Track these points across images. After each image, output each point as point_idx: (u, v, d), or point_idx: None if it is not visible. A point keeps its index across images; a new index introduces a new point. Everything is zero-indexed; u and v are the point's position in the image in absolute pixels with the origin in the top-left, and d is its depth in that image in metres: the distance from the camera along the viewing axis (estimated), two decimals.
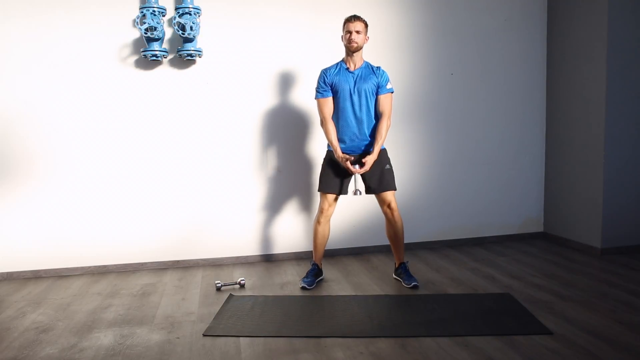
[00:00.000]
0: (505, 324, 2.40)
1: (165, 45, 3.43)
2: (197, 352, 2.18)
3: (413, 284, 2.96)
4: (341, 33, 2.98)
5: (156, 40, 3.30)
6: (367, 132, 2.95)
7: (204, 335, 2.36)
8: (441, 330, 2.34)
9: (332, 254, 3.73)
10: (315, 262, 3.13)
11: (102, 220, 3.46)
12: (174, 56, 3.45)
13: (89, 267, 3.48)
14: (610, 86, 3.50)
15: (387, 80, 2.97)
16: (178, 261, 3.59)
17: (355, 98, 2.92)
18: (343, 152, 2.95)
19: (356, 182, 2.98)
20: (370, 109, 2.95)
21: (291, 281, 3.18)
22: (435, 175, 3.93)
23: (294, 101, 3.66)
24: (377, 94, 2.95)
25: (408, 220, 3.72)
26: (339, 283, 3.11)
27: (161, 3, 3.37)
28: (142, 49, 3.33)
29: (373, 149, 2.91)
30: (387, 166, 3.00)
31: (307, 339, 2.29)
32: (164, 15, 3.37)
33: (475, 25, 3.92)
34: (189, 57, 3.38)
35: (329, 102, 2.96)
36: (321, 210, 3.03)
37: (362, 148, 2.98)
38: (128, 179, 3.47)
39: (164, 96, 3.48)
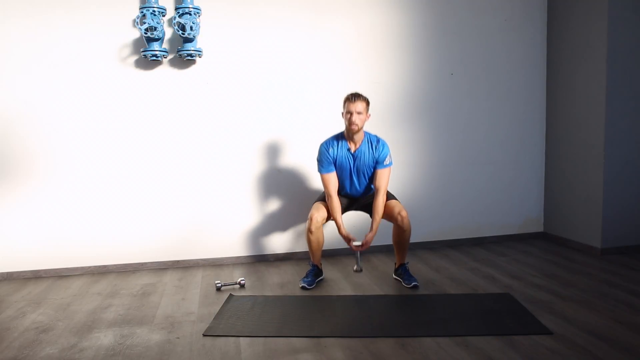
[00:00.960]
0: (505, 324, 2.40)
1: (165, 45, 3.43)
2: (197, 352, 2.18)
3: (413, 284, 2.96)
4: (341, 110, 2.97)
5: (156, 40, 3.30)
6: (364, 192, 3.12)
7: (204, 335, 2.36)
8: (441, 330, 2.34)
9: (332, 254, 3.73)
10: (315, 263, 3.13)
11: (102, 220, 3.46)
12: (174, 56, 3.45)
13: (89, 267, 3.48)
14: (610, 86, 3.50)
15: (386, 156, 2.99)
16: (178, 261, 3.59)
17: (355, 177, 3.05)
18: (341, 196, 3.09)
19: (358, 260, 3.00)
20: (368, 179, 3.07)
21: (291, 281, 3.18)
22: (435, 175, 3.94)
23: (294, 101, 3.66)
24: (374, 168, 3.00)
25: None
26: (339, 283, 3.11)
27: (161, 3, 3.37)
28: (142, 49, 3.33)
29: (372, 227, 2.97)
30: None
31: (307, 339, 2.29)
32: (164, 15, 3.37)
33: (476, 25, 3.92)
34: (189, 57, 3.38)
35: (333, 177, 3.01)
36: (310, 218, 2.98)
37: (360, 195, 3.15)
38: (128, 179, 3.47)
39: (164, 96, 3.48)
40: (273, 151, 3.66)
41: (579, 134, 3.77)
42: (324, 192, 3.15)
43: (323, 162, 3.00)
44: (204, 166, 3.57)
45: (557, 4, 3.95)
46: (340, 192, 3.11)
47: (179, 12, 3.29)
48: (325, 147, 3.01)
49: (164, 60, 3.45)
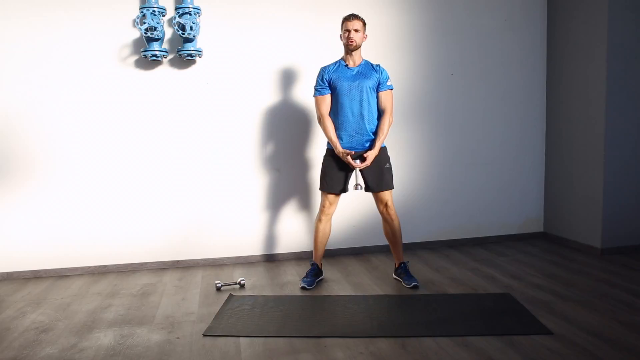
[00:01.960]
0: (505, 324, 2.40)
1: (165, 45, 3.43)
2: (197, 352, 2.18)
3: (413, 284, 2.96)
4: (340, 32, 2.98)
5: (156, 40, 3.30)
6: (368, 128, 2.94)
7: (204, 335, 2.36)
8: (441, 330, 2.34)
9: (332, 254, 3.72)
10: (315, 262, 3.13)
11: (102, 220, 3.46)
12: (174, 56, 3.45)
13: (89, 267, 3.48)
14: (610, 86, 3.50)
15: (387, 77, 2.99)
16: (178, 261, 3.59)
17: (355, 93, 2.92)
18: (344, 149, 2.94)
19: (357, 177, 2.98)
20: (372, 104, 2.95)
21: (291, 281, 3.18)
22: (435, 175, 3.93)
23: (294, 101, 3.66)
24: (377, 90, 2.96)
25: (408, 220, 3.72)
26: (339, 283, 3.11)
27: (161, 3, 3.37)
28: (142, 49, 3.33)
29: (374, 144, 2.93)
30: (387, 165, 3.01)
31: (307, 339, 2.29)
32: (164, 15, 3.37)
33: (475, 25, 3.92)
34: (189, 57, 3.38)
35: (326, 99, 2.98)
36: (322, 209, 3.04)
37: (364, 145, 2.97)
38: (128, 179, 3.47)
39: (164, 96, 3.48)
40: (273, 151, 3.66)
41: (579, 134, 3.77)
42: (324, 164, 3.03)
43: (318, 83, 2.99)
44: (204, 166, 3.57)
45: (557, 4, 3.95)
46: (339, 129, 2.94)
47: (179, 12, 3.29)
48: (322, 69, 3.01)
49: (164, 60, 3.45)
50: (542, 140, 4.15)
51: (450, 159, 3.96)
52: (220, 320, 2.52)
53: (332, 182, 3.00)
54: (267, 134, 3.64)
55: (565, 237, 3.95)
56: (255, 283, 3.16)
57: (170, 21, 3.43)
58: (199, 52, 3.38)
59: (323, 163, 3.07)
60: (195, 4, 3.36)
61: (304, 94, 3.64)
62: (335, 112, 2.96)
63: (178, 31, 3.26)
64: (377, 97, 2.97)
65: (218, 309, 2.69)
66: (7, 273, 3.39)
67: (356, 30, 2.90)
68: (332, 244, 3.67)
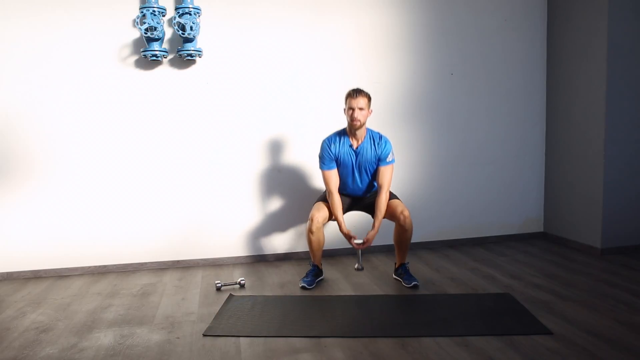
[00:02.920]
0: (505, 324, 2.40)
1: (165, 45, 3.43)
2: (197, 352, 2.18)
3: (413, 283, 2.96)
4: (344, 106, 2.97)
5: (156, 40, 3.30)
6: (366, 190, 3.11)
7: (204, 335, 2.36)
8: (441, 330, 2.34)
9: (332, 254, 3.72)
10: (315, 263, 3.13)
11: (102, 220, 3.46)
12: (174, 56, 3.45)
13: (89, 267, 3.48)
14: (610, 86, 3.50)
15: (388, 153, 2.98)
16: (178, 261, 3.59)
17: (357, 173, 3.03)
18: (344, 195, 3.09)
19: (359, 258, 3.02)
20: (370, 176, 3.05)
21: (291, 281, 3.18)
22: (435, 175, 3.93)
23: (294, 101, 3.66)
24: (377, 164, 2.99)
25: None
26: (339, 283, 3.11)
27: (161, 3, 3.37)
28: (142, 49, 3.33)
29: (374, 225, 2.97)
30: None
31: (307, 339, 2.29)
32: (164, 15, 3.37)
33: (475, 25, 3.92)
34: (189, 57, 3.38)
35: (334, 174, 3.01)
36: (311, 219, 2.97)
37: (361, 193, 3.13)
38: (128, 179, 3.47)
39: (164, 96, 3.48)
40: (273, 151, 3.66)
41: (579, 134, 3.77)
42: (325, 191, 3.15)
43: (325, 158, 2.99)
44: (204, 166, 3.57)
45: (557, 4, 3.95)
46: (342, 191, 3.10)
47: (179, 12, 3.29)
48: (327, 143, 3.01)
49: (164, 60, 3.45)
50: (542, 140, 4.15)
51: (450, 159, 3.96)
52: (220, 320, 2.52)
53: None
54: (267, 133, 3.64)
55: (565, 237, 3.95)
56: (255, 283, 3.16)
57: (170, 21, 3.43)
58: (199, 52, 3.38)
59: (323, 193, 3.17)
60: (195, 4, 3.36)
61: (304, 94, 3.64)
62: (340, 184, 3.06)
63: (178, 31, 3.26)
64: (376, 170, 3.00)
65: (218, 309, 2.69)
66: (7, 273, 3.39)
67: (361, 109, 2.86)
68: (332, 244, 3.67)
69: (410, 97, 3.83)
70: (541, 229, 4.21)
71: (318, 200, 3.13)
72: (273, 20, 3.58)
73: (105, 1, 3.35)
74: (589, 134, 3.68)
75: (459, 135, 3.96)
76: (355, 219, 3.78)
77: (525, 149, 4.11)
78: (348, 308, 2.67)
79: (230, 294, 2.91)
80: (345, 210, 3.12)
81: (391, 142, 3.05)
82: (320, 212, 3.00)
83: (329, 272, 3.34)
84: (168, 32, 3.44)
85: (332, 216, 3.08)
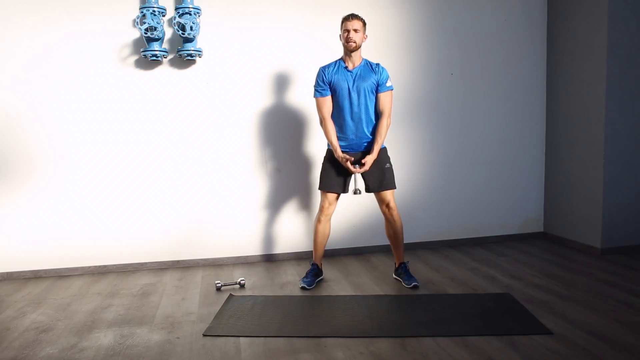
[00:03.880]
0: (505, 324, 2.40)
1: (165, 45, 3.43)
2: (197, 352, 2.18)
3: (413, 283, 2.96)
4: (339, 32, 2.97)
5: (156, 40, 3.30)
6: (366, 130, 2.95)
7: (204, 335, 2.36)
8: (441, 330, 2.34)
9: (332, 254, 3.72)
10: (315, 262, 3.13)
11: (102, 220, 3.46)
12: (174, 56, 3.45)
13: (89, 267, 3.48)
14: (610, 86, 3.50)
15: (387, 78, 2.95)
16: (178, 261, 3.59)
17: (354, 97, 2.91)
18: (343, 151, 2.95)
19: (356, 182, 2.99)
20: (370, 107, 2.94)
21: (291, 281, 3.18)
22: (435, 175, 3.93)
23: (294, 101, 3.66)
24: (376, 91, 2.94)
25: (408, 220, 3.71)
26: (339, 283, 3.11)
27: (161, 3, 3.37)
28: (142, 49, 3.33)
29: (373, 148, 2.91)
30: (387, 165, 3.00)
31: (307, 339, 2.29)
32: (164, 15, 3.37)
33: (475, 25, 3.92)
34: (189, 57, 3.38)
35: (327, 101, 2.95)
36: (321, 209, 3.03)
37: (363, 147, 2.98)
38: (128, 179, 3.47)
39: (164, 96, 3.48)
40: (273, 151, 3.66)
41: (579, 134, 3.77)
42: (324, 166, 3.03)
43: (318, 84, 2.96)
44: (204, 166, 3.57)
45: (557, 4, 3.95)
46: (341, 131, 2.95)
47: (179, 12, 3.29)
48: (322, 69, 2.98)
49: (164, 60, 3.45)
50: (542, 140, 4.15)
51: (450, 158, 3.96)
52: (220, 320, 2.52)
53: (332, 182, 3.00)
54: (267, 133, 3.64)
55: (565, 237, 3.95)
56: (255, 283, 3.16)
57: (170, 21, 3.43)
58: (199, 52, 3.38)
59: (323, 163, 3.07)
60: (195, 4, 3.36)
61: (304, 94, 3.64)
62: (336, 114, 2.96)
63: (178, 31, 3.26)
64: (376, 98, 2.95)
65: (218, 309, 2.69)
66: (7, 273, 3.39)
67: (356, 31, 2.86)
68: (332, 244, 3.67)
69: (410, 96, 3.83)
70: (541, 229, 4.21)
71: (322, 187, 3.01)
72: (273, 20, 3.58)
73: (105, 1, 3.35)
74: (589, 134, 3.68)
75: (459, 135, 3.96)
76: (354, 219, 3.78)
77: (525, 149, 4.11)
78: (348, 308, 2.67)
79: (230, 294, 2.91)
80: (344, 185, 3.00)
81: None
82: (332, 206, 3.02)
83: (329, 272, 3.34)
84: (168, 32, 3.44)
85: (339, 195, 3.00)
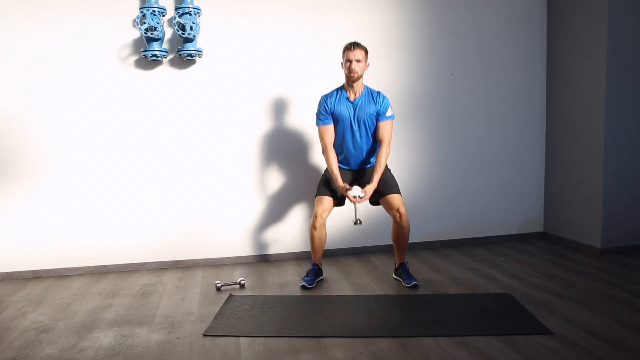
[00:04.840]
0: (505, 324, 2.40)
1: (165, 45, 3.43)
2: (197, 352, 2.18)
3: (413, 283, 2.96)
4: (341, 60, 2.96)
5: (156, 40, 3.30)
6: (367, 156, 3.04)
7: (204, 335, 2.36)
8: (441, 330, 2.34)
9: (332, 254, 3.72)
10: (315, 263, 3.13)
11: (102, 220, 3.46)
12: (174, 56, 3.45)
13: (89, 267, 3.48)
14: (610, 86, 3.50)
15: (387, 107, 2.96)
16: (178, 261, 3.59)
17: (356, 128, 2.96)
18: (344, 169, 3.04)
19: (356, 212, 2.99)
20: (370, 136, 3.00)
21: (291, 281, 3.18)
22: (435, 175, 3.93)
23: (294, 101, 3.66)
24: (377, 120, 2.96)
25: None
26: (339, 283, 3.11)
27: (161, 3, 3.37)
28: (142, 49, 3.33)
29: (373, 178, 2.93)
30: (389, 173, 3.05)
31: (307, 339, 2.29)
32: (164, 15, 3.37)
33: (475, 25, 3.92)
34: (189, 57, 3.38)
35: (330, 130, 2.98)
36: (315, 215, 2.99)
37: (364, 168, 3.07)
38: (128, 179, 3.47)
39: (164, 96, 3.48)
40: (273, 151, 3.66)
41: (579, 134, 3.77)
42: (322, 178, 3.10)
43: (320, 113, 2.98)
44: (204, 166, 3.57)
45: (557, 4, 3.95)
46: (342, 158, 3.04)
47: (179, 12, 3.29)
48: (324, 98, 2.99)
49: (164, 60, 3.45)
50: (542, 140, 4.15)
51: (450, 158, 3.96)
52: (220, 320, 2.52)
53: (329, 191, 3.03)
54: (267, 133, 3.64)
55: (565, 237, 3.95)
56: (255, 283, 3.16)
57: (170, 21, 3.43)
58: (199, 52, 3.38)
59: (323, 174, 3.13)
60: (195, 4, 3.36)
61: (304, 94, 3.64)
62: (337, 142, 3.01)
63: (178, 31, 3.26)
64: (376, 127, 2.97)
65: (218, 309, 2.69)
66: (7, 273, 3.39)
67: (358, 61, 2.86)
68: (332, 244, 3.67)
69: (410, 97, 3.83)
70: (541, 229, 4.21)
71: (319, 192, 3.07)
72: (273, 20, 3.58)
73: (105, 1, 3.35)
74: (589, 134, 3.68)
75: (459, 135, 3.96)
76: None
77: (525, 149, 4.11)
78: (348, 308, 2.67)
79: (230, 294, 2.91)
80: (342, 197, 3.06)
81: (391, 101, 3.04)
82: (323, 206, 2.99)
83: (329, 272, 3.34)
84: (168, 32, 3.44)
85: (334, 203, 3.04)
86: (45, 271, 3.43)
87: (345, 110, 2.95)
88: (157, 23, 3.24)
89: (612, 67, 3.48)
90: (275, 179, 3.68)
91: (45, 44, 3.31)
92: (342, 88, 3.00)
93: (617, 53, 3.49)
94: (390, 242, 3.17)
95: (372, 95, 2.96)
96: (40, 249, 3.40)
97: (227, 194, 3.61)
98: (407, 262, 3.16)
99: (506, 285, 2.99)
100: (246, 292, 2.98)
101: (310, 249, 3.15)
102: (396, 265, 3.14)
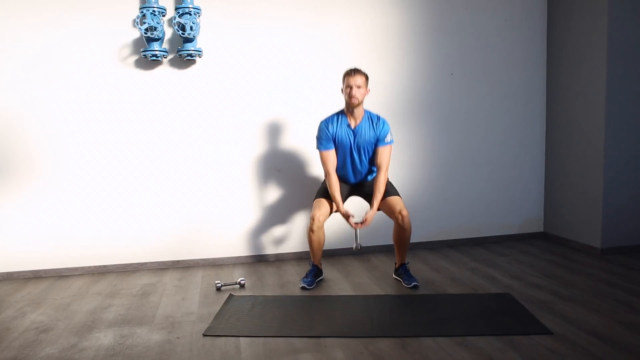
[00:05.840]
0: (505, 324, 2.40)
1: (165, 45, 3.43)
2: (197, 352, 2.18)
3: (413, 283, 2.96)
4: (341, 86, 2.96)
5: (156, 40, 3.30)
6: (366, 175, 3.09)
7: (204, 335, 2.36)
8: (441, 330, 2.34)
9: (332, 254, 3.72)
10: (315, 264, 3.13)
11: (102, 220, 3.46)
12: (174, 56, 3.45)
13: (89, 267, 3.48)
14: (610, 86, 3.50)
15: (387, 133, 2.97)
16: (178, 261, 3.59)
17: (356, 155, 2.99)
18: (343, 183, 3.08)
19: (357, 237, 2.98)
20: (368, 158, 3.03)
21: (291, 281, 3.18)
22: (435, 175, 3.93)
23: (294, 101, 3.66)
24: (375, 145, 2.97)
25: None
26: (339, 283, 3.11)
27: (161, 3, 3.37)
28: (142, 49, 3.33)
29: (372, 204, 2.95)
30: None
31: (307, 339, 2.29)
32: (164, 15, 3.37)
33: (475, 25, 3.92)
34: (189, 57, 3.38)
35: (332, 154, 2.98)
36: (312, 218, 2.97)
37: (364, 181, 3.13)
38: (128, 179, 3.47)
39: (164, 96, 3.48)
40: (273, 151, 3.66)
41: (579, 134, 3.77)
42: (322, 183, 3.14)
43: (322, 139, 2.97)
44: (204, 166, 3.57)
45: (557, 4, 3.95)
46: (343, 178, 3.08)
47: (179, 12, 3.29)
48: (324, 124, 2.99)
49: (164, 60, 3.45)
50: (542, 140, 4.15)
51: (450, 158, 3.96)
52: (220, 320, 2.52)
53: (329, 196, 3.04)
54: (267, 133, 3.64)
55: (565, 237, 3.95)
56: (255, 283, 3.16)
57: (170, 21, 3.43)
58: (199, 52, 3.38)
59: (323, 183, 3.14)
60: (195, 4, 3.36)
61: (304, 94, 3.64)
62: (337, 166, 3.03)
63: (178, 31, 3.26)
64: (375, 151, 2.98)
65: (218, 309, 2.69)
66: (7, 273, 3.39)
67: (358, 87, 2.85)
68: (332, 244, 3.67)
69: (410, 97, 3.83)
70: (541, 229, 4.21)
71: (317, 197, 3.10)
72: (273, 20, 3.58)
73: (105, 1, 3.35)
74: (589, 134, 3.68)
75: (459, 135, 3.96)
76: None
77: (525, 149, 4.11)
78: (348, 308, 2.67)
79: (230, 294, 2.91)
80: (345, 198, 3.11)
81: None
82: (321, 210, 2.99)
83: (329, 272, 3.34)
84: (168, 32, 3.44)
85: (332, 209, 3.06)
86: (45, 271, 3.43)
87: (345, 137, 2.96)
88: (157, 23, 3.24)
89: (612, 67, 3.48)
90: (275, 179, 3.68)
91: (45, 44, 3.31)
92: (342, 113, 2.99)
93: (617, 53, 3.49)
94: (391, 242, 3.17)
95: (372, 120, 2.97)
96: (40, 249, 3.40)
97: (227, 194, 3.61)
98: (408, 262, 3.16)
99: (506, 285, 2.99)
100: (246, 292, 2.98)
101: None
102: (396, 266, 3.14)
